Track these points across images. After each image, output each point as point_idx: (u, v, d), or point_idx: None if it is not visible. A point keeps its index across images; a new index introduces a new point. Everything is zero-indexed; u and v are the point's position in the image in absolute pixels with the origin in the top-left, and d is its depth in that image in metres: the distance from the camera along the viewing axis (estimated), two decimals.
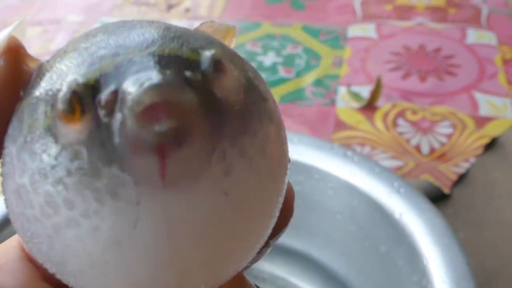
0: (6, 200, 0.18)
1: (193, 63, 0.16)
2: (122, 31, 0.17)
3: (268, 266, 0.55)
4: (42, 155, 0.16)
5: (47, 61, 0.18)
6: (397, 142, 0.71)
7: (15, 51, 0.18)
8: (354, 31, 0.95)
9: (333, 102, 0.79)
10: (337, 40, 0.93)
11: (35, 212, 0.16)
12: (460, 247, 0.44)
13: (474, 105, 0.77)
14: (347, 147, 0.67)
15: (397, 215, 0.47)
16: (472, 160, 0.68)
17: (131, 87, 0.15)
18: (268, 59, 0.90)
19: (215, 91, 0.16)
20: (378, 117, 0.76)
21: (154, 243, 0.16)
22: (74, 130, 0.15)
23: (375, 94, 0.77)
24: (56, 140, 0.16)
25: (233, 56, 0.18)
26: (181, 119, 0.15)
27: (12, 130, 0.17)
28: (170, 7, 1.07)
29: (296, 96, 0.81)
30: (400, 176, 0.50)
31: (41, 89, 0.17)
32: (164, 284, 0.17)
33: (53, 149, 0.16)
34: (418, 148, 0.70)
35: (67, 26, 1.03)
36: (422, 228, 0.45)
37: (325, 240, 0.54)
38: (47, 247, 0.17)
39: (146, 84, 0.15)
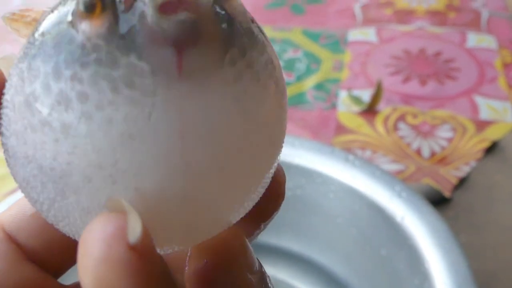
0: (3, 120, 0.18)
1: None
2: None
3: (270, 270, 0.55)
4: (57, 56, 0.16)
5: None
6: (398, 146, 0.72)
7: None
8: (355, 35, 0.95)
9: (334, 106, 0.80)
10: (337, 44, 0.94)
11: (43, 116, 0.16)
12: (461, 251, 0.44)
13: (475, 108, 0.77)
14: (348, 151, 0.67)
15: (398, 218, 0.47)
16: (473, 163, 0.68)
17: None
18: None
19: (226, 7, 0.17)
20: (378, 121, 0.76)
21: (167, 139, 0.16)
22: (93, 26, 0.16)
23: (375, 98, 0.78)
24: (73, 40, 0.16)
25: None
26: (198, 16, 0.16)
27: (20, 53, 0.17)
28: None
29: (297, 100, 0.82)
30: (401, 180, 0.50)
31: (61, 3, 0.17)
32: (169, 198, 0.17)
33: (68, 48, 0.16)
34: (418, 152, 0.70)
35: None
36: (424, 232, 0.45)
37: (327, 243, 0.54)
38: (51, 156, 0.16)
39: None
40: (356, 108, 0.78)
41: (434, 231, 0.46)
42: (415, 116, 0.76)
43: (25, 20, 0.20)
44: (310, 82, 0.85)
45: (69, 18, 0.16)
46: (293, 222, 0.55)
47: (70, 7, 0.17)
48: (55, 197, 0.17)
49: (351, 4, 1.04)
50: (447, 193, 0.64)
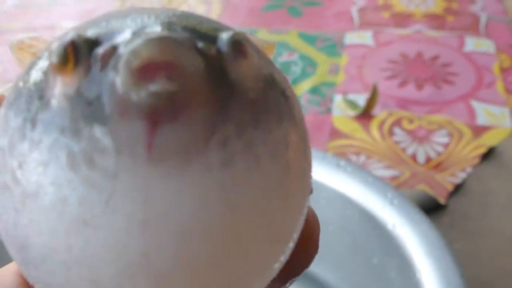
0: None
1: (210, 38, 0.15)
2: (147, 9, 0.16)
3: None
4: (26, 112, 0.15)
5: None
6: (393, 151, 0.70)
7: None
8: (351, 38, 0.94)
9: (328, 110, 0.78)
10: (334, 47, 0.92)
11: (6, 179, 0.15)
12: (454, 260, 0.43)
13: (472, 113, 0.76)
14: (341, 157, 0.66)
15: (390, 226, 0.46)
16: (469, 169, 0.67)
17: (131, 38, 0.14)
18: None
19: (229, 71, 0.14)
20: (374, 125, 0.75)
21: (125, 231, 0.13)
22: (63, 83, 0.14)
23: (371, 102, 0.76)
24: (43, 95, 0.14)
25: (259, 50, 0.16)
26: (182, 84, 0.13)
27: (8, 94, 0.16)
28: None
29: None
30: (393, 187, 0.49)
31: (45, 49, 0.16)
32: None
33: (37, 104, 0.14)
34: (414, 157, 0.69)
35: (61, 33, 1.03)
36: (415, 240, 0.44)
37: (318, 251, 0.53)
38: (12, 225, 0.15)
39: (148, 36, 0.13)
40: (352, 113, 0.77)
41: (426, 239, 0.44)
42: (411, 121, 0.75)
43: (31, 50, 0.18)
44: (305, 86, 0.84)
45: (45, 69, 0.15)
46: None
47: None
48: (21, 264, 0.16)
49: (349, 7, 1.03)
50: (442, 200, 0.63)
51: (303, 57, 0.91)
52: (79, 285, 0.14)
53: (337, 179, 0.50)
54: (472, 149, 0.70)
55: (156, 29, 0.14)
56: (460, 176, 0.66)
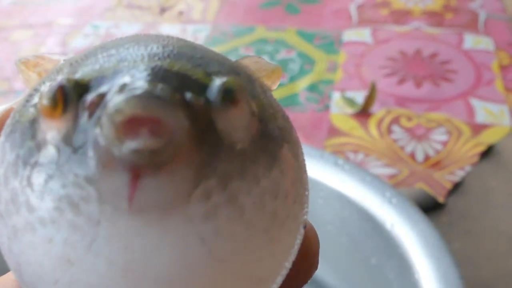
0: None
1: (200, 86, 0.15)
2: (141, 39, 0.17)
3: None
4: (19, 149, 0.15)
5: (66, 59, 0.17)
6: (391, 149, 0.70)
7: None
8: (350, 35, 0.93)
9: (327, 108, 0.78)
10: (332, 44, 0.92)
11: (1, 208, 0.15)
12: (453, 260, 0.42)
13: (471, 111, 0.75)
14: (339, 155, 0.65)
15: (388, 226, 0.45)
16: (468, 168, 0.67)
17: (116, 92, 0.14)
18: None
19: (217, 121, 0.14)
20: (372, 123, 0.74)
21: (107, 274, 0.14)
22: (52, 128, 0.15)
23: (369, 100, 0.76)
24: (34, 136, 0.15)
25: (259, 94, 0.16)
26: (164, 140, 0.13)
27: (8, 119, 0.17)
28: (163, 10, 1.06)
29: (289, 101, 0.80)
30: (392, 186, 0.48)
31: (44, 81, 0.16)
32: None
33: (29, 144, 0.15)
34: (412, 156, 0.69)
35: (58, 29, 1.02)
36: (414, 240, 0.44)
37: None
38: (7, 248, 0.16)
39: (132, 92, 0.13)
40: (350, 110, 0.77)
41: (424, 239, 0.44)
42: (409, 118, 0.75)
43: (37, 69, 0.18)
44: (303, 83, 0.83)
45: (38, 108, 0.15)
46: None
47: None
48: (17, 279, 0.16)
49: (347, 4, 1.02)
50: (441, 199, 0.62)
51: (301, 55, 0.90)
52: None
53: (335, 178, 0.50)
54: (471, 147, 0.69)
55: (142, 83, 0.14)
56: (459, 175, 0.66)
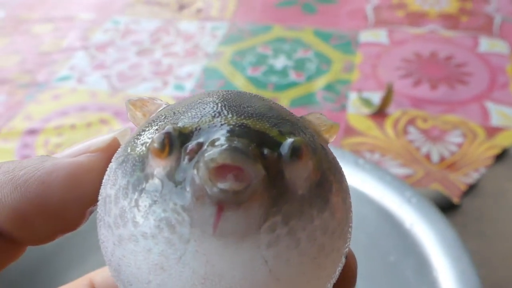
0: (98, 203, 0.21)
1: (275, 143, 0.18)
2: (235, 98, 0.21)
3: None
4: (130, 177, 0.19)
5: (167, 105, 0.22)
6: (407, 150, 0.71)
7: (114, 150, 0.22)
8: (366, 36, 0.95)
9: (343, 108, 0.79)
10: (348, 45, 0.93)
11: (110, 220, 0.19)
12: (471, 259, 0.44)
13: (485, 114, 0.77)
14: (358, 155, 0.67)
15: (407, 225, 0.47)
16: (482, 170, 0.68)
17: (212, 145, 0.17)
18: (279, 62, 0.90)
19: (286, 172, 0.18)
20: (388, 124, 0.76)
21: (189, 281, 0.18)
22: (158, 165, 0.18)
23: (386, 101, 0.77)
24: (144, 168, 0.19)
25: (319, 150, 0.20)
26: (245, 184, 0.17)
27: (120, 150, 0.21)
28: (181, 7, 1.07)
29: (306, 100, 0.81)
30: (411, 186, 0.49)
31: (152, 124, 0.20)
32: None
33: (138, 174, 0.19)
34: (428, 157, 0.70)
35: (79, 24, 1.04)
36: (433, 239, 0.45)
37: None
38: (110, 252, 0.19)
39: (224, 147, 0.17)
40: (366, 110, 0.78)
41: (443, 238, 0.45)
42: (425, 120, 0.76)
43: (143, 109, 0.23)
44: (320, 83, 0.85)
45: (148, 147, 0.19)
46: None
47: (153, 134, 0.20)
48: (114, 278, 0.20)
49: (363, 5, 1.03)
50: (456, 200, 0.64)
51: (318, 54, 0.91)
52: None
53: (355, 177, 0.51)
54: (486, 150, 0.71)
55: (231, 139, 0.18)
56: (474, 176, 0.67)
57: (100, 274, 0.26)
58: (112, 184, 0.20)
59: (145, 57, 0.94)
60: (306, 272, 0.19)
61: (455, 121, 0.76)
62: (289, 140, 0.18)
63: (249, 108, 0.20)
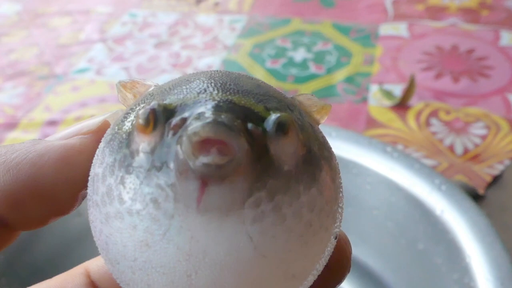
0: (88, 183, 0.21)
1: (260, 119, 0.18)
2: (218, 75, 0.21)
3: None
4: (116, 154, 0.19)
5: (156, 86, 0.22)
6: (430, 141, 0.71)
7: (103, 132, 0.21)
8: (386, 29, 0.94)
9: (364, 100, 0.79)
10: (368, 38, 0.93)
11: (97, 199, 0.19)
12: (503, 246, 0.43)
13: (508, 107, 0.76)
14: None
15: (438, 212, 0.46)
16: (507, 162, 0.67)
17: (195, 119, 0.17)
18: (299, 55, 0.90)
19: (271, 147, 0.18)
20: (410, 116, 0.75)
21: (174, 256, 0.18)
22: (143, 141, 0.18)
23: (408, 93, 0.77)
24: (130, 145, 0.19)
25: (307, 128, 0.20)
26: (228, 158, 0.16)
27: (109, 129, 0.21)
28: (199, 1, 1.07)
29: (327, 92, 0.81)
30: (440, 174, 0.49)
31: (139, 103, 0.20)
32: None
33: (124, 151, 0.19)
34: (451, 149, 0.69)
35: (96, 17, 1.03)
36: (464, 226, 0.45)
37: (360, 236, 0.53)
38: (98, 231, 0.19)
39: (207, 120, 0.17)
40: (387, 103, 0.77)
41: (475, 225, 0.45)
42: (448, 112, 0.75)
43: (133, 91, 0.23)
44: (340, 75, 0.84)
45: (133, 124, 0.19)
46: None
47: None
48: (103, 258, 0.20)
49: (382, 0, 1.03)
50: (480, 191, 0.63)
51: (337, 47, 0.91)
52: (139, 285, 0.19)
53: (383, 165, 0.51)
54: (510, 142, 0.70)
55: (214, 113, 0.17)
56: (498, 168, 0.66)
57: (95, 263, 0.26)
58: (100, 163, 0.20)
59: (164, 49, 0.93)
60: (293, 249, 0.18)
61: (477, 114, 0.75)
62: (274, 115, 0.18)
63: (235, 86, 0.20)
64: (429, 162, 0.67)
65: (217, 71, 0.21)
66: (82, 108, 0.81)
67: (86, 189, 0.21)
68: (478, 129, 0.72)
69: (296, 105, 0.21)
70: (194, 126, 0.17)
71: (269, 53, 0.90)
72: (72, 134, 0.23)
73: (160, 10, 1.05)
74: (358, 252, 0.54)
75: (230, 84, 0.20)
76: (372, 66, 0.86)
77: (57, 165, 0.21)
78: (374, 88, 0.81)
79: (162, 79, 0.86)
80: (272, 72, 0.86)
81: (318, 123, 0.22)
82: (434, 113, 0.75)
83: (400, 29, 0.94)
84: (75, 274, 0.25)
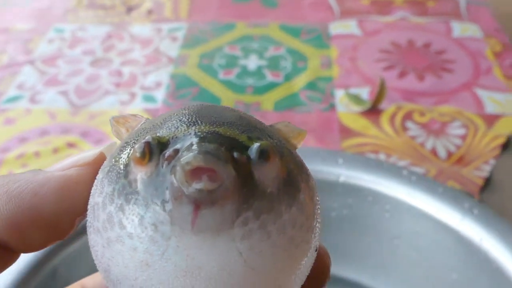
0: (88, 211, 0.22)
1: (244, 147, 0.20)
2: (205, 110, 0.22)
3: None
4: (115, 184, 0.20)
5: (147, 120, 0.24)
6: (411, 147, 0.68)
7: (101, 163, 0.23)
8: (336, 28, 0.90)
9: (332, 107, 0.75)
10: (320, 39, 0.88)
11: (98, 225, 0.21)
12: None
13: (479, 102, 0.74)
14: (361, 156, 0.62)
15: (476, 239, 0.43)
16: (492, 161, 0.65)
17: (187, 150, 0.19)
18: (252, 62, 0.84)
19: (255, 173, 0.19)
20: (384, 120, 0.72)
21: (172, 274, 0.19)
22: (140, 171, 0.20)
23: (379, 97, 0.73)
24: (127, 175, 0.20)
25: (286, 153, 0.22)
26: (218, 184, 0.18)
27: (106, 161, 0.22)
28: (129, 9, 0.99)
29: (291, 102, 0.76)
30: (468, 195, 0.45)
31: (133, 136, 0.22)
32: None
33: (122, 181, 0.20)
34: (434, 153, 0.67)
35: (16, 35, 0.93)
36: (509, 256, 0.41)
37: (379, 267, 0.49)
38: (100, 255, 0.21)
39: (197, 151, 0.19)
40: (357, 108, 0.74)
41: None
42: (422, 114, 0.73)
43: (125, 125, 0.24)
44: (300, 82, 0.80)
45: (130, 156, 0.21)
46: (338, 245, 0.50)
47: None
48: (104, 279, 0.21)
49: None
50: (476, 196, 0.61)
51: (290, 51, 0.86)
52: None
53: (402, 191, 0.47)
54: (490, 140, 0.68)
55: (204, 145, 0.19)
56: (485, 169, 0.64)
57: (92, 280, 0.28)
58: (99, 193, 0.21)
59: (102, 67, 0.85)
60: (278, 261, 0.20)
61: (451, 112, 0.73)
62: (256, 144, 0.20)
63: (220, 118, 0.22)
64: (417, 170, 0.64)
65: (202, 104, 0.24)
66: (22, 143, 0.72)
67: (83, 215, 0.23)
68: (456, 129, 0.70)
69: (275, 132, 0.23)
70: (186, 156, 0.18)
71: (220, 63, 0.84)
72: (69, 166, 0.24)
73: (88, 22, 0.96)
74: (376, 284, 0.50)
75: (216, 117, 0.22)
76: (331, 70, 0.82)
77: (56, 195, 0.23)
78: (339, 93, 0.77)
79: (108, 102, 0.78)
80: (227, 84, 0.80)
81: (295, 148, 0.24)
82: (408, 116, 0.72)
83: (350, 26, 0.91)
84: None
